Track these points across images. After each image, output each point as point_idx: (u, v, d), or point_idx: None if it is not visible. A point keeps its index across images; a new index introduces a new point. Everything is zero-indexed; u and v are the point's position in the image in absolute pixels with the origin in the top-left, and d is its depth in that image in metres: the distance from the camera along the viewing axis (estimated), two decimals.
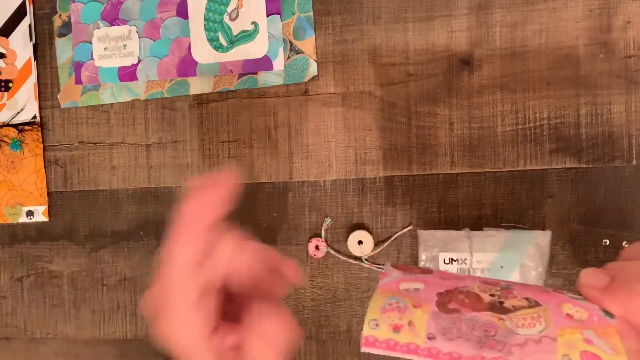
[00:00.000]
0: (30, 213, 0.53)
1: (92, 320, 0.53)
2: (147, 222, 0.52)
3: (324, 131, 0.49)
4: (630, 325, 0.29)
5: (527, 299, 0.31)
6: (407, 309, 0.31)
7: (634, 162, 0.45)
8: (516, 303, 0.31)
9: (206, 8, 0.49)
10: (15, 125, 0.53)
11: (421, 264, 0.46)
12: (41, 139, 0.53)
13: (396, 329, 0.30)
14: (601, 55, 0.45)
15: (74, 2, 0.52)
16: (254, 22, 0.49)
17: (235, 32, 0.49)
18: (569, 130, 0.45)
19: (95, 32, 0.51)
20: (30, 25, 0.53)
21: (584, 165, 0.45)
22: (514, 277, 0.44)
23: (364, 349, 0.30)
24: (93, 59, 0.51)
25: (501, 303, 0.31)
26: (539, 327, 0.29)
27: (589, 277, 0.30)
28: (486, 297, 0.31)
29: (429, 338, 0.30)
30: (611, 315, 0.29)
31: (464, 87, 0.46)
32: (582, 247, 0.45)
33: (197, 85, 0.50)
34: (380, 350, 0.30)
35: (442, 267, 0.46)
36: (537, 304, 0.31)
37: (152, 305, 0.32)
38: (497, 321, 0.30)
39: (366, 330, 0.30)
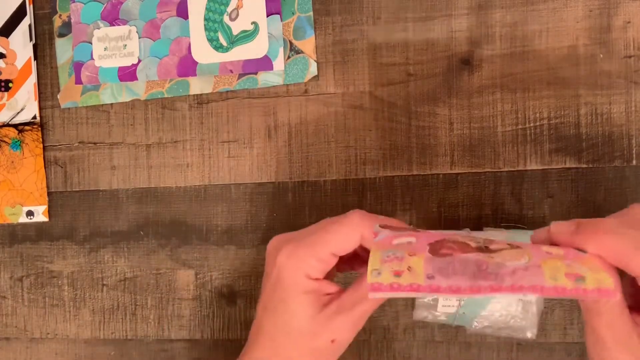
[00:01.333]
0: (30, 213, 0.53)
1: (92, 320, 0.53)
2: (147, 222, 0.52)
3: (324, 131, 0.49)
4: (602, 260, 0.32)
5: (509, 244, 0.34)
6: (404, 258, 0.33)
7: (634, 162, 0.45)
8: (500, 246, 0.34)
9: (206, 8, 0.49)
10: (15, 125, 0.53)
11: None
12: (41, 139, 0.53)
13: (397, 274, 0.33)
14: (601, 55, 0.45)
15: (74, 2, 0.52)
16: (254, 22, 0.49)
17: (235, 32, 0.49)
18: (569, 130, 0.45)
19: (95, 32, 0.51)
20: (30, 25, 0.53)
21: (584, 165, 0.45)
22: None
23: (372, 295, 0.33)
24: (93, 59, 0.51)
25: (487, 247, 0.34)
26: (523, 260, 0.32)
27: (558, 226, 0.34)
28: (472, 244, 0.34)
29: (428, 277, 0.32)
30: (584, 252, 0.32)
31: (464, 87, 0.46)
32: None
33: (197, 85, 0.50)
34: (387, 293, 0.33)
35: None
36: (519, 247, 0.34)
37: (283, 239, 0.38)
38: (486, 258, 0.33)
39: (370, 279, 0.33)
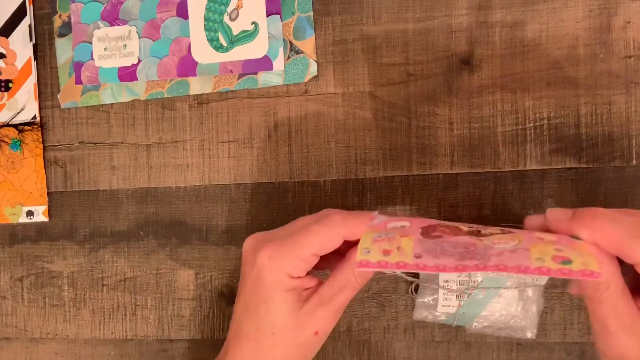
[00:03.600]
0: (30, 213, 0.53)
1: (92, 320, 0.53)
2: (147, 222, 0.52)
3: (324, 131, 0.49)
4: (597, 247, 0.32)
5: (501, 229, 0.35)
6: (394, 238, 0.35)
7: (634, 162, 0.45)
8: (491, 231, 0.35)
9: (206, 8, 0.49)
10: (15, 125, 0.53)
11: None
12: (41, 139, 0.53)
13: (386, 253, 0.34)
14: (601, 55, 0.45)
15: (74, 2, 0.52)
16: (254, 22, 0.49)
17: (235, 32, 0.49)
18: (569, 130, 0.45)
19: (95, 32, 0.51)
20: (30, 25, 0.53)
21: (584, 165, 0.45)
22: (514, 277, 0.44)
23: (358, 270, 0.35)
24: (93, 59, 0.51)
25: (478, 231, 0.35)
26: (512, 243, 0.33)
27: (554, 213, 0.34)
28: (465, 228, 0.35)
29: (416, 257, 0.33)
30: (578, 240, 0.33)
31: (464, 87, 0.46)
32: None
33: (197, 85, 0.50)
34: (373, 269, 0.34)
35: None
36: (511, 232, 0.34)
37: (262, 238, 0.39)
38: (476, 241, 0.33)
39: (359, 256, 0.34)
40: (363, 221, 0.37)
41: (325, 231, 0.37)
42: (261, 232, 0.40)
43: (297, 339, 0.38)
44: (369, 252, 0.34)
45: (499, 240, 0.34)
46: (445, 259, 0.33)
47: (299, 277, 0.38)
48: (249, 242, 0.40)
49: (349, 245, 0.38)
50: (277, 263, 0.37)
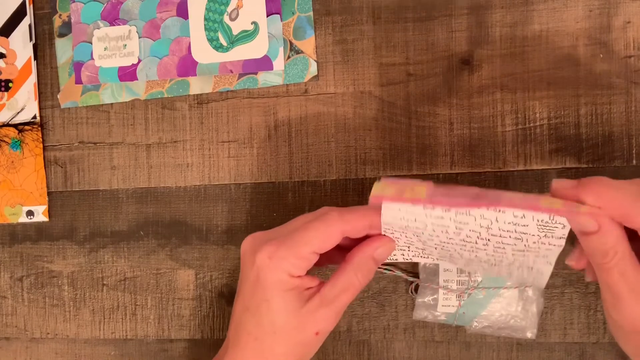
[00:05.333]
0: (30, 213, 0.53)
1: (92, 320, 0.53)
2: (147, 222, 0.52)
3: (324, 131, 0.49)
4: (604, 216, 0.33)
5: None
6: (408, 184, 0.37)
7: (634, 162, 0.45)
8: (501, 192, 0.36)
9: (206, 8, 0.49)
10: (15, 125, 0.53)
11: (421, 263, 0.47)
12: (41, 139, 0.53)
13: (400, 192, 0.36)
14: (601, 55, 0.45)
15: (74, 2, 0.52)
16: (254, 22, 0.49)
17: (235, 32, 0.49)
18: (569, 130, 0.45)
19: (95, 32, 0.51)
20: (30, 25, 0.53)
21: (584, 165, 0.45)
22: (514, 275, 0.44)
23: (373, 203, 0.36)
24: (93, 59, 0.51)
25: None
26: (521, 195, 0.35)
27: (559, 182, 0.35)
28: (475, 189, 0.37)
29: (429, 197, 0.35)
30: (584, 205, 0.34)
31: (464, 87, 0.46)
32: None
33: (197, 85, 0.50)
34: (387, 202, 0.35)
35: (442, 266, 0.46)
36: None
37: (262, 237, 0.39)
38: (487, 190, 0.36)
39: (374, 192, 0.36)
40: (360, 216, 0.37)
41: (323, 228, 0.37)
42: (260, 232, 0.40)
43: (297, 338, 0.38)
44: (383, 190, 0.36)
45: (509, 194, 0.35)
46: (458, 199, 0.34)
47: (299, 276, 0.38)
48: (248, 242, 0.40)
49: (350, 241, 0.38)
50: (277, 262, 0.37)
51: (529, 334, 0.45)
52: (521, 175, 0.46)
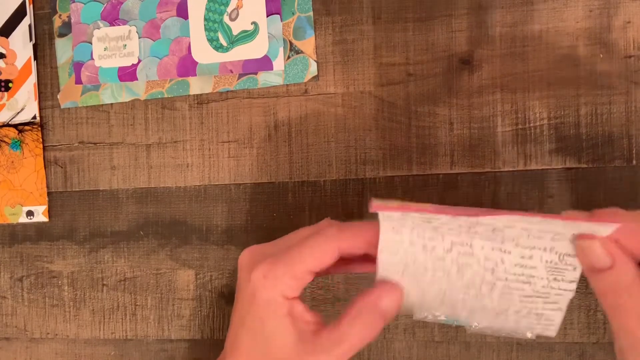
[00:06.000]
0: (30, 213, 0.53)
1: (92, 320, 0.53)
2: (147, 222, 0.52)
3: (324, 131, 0.49)
4: (619, 246, 0.30)
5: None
6: (412, 204, 0.34)
7: (634, 162, 0.45)
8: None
9: (206, 8, 0.49)
10: (15, 125, 0.53)
11: None
12: (41, 139, 0.53)
13: (403, 205, 0.33)
14: (601, 55, 0.45)
15: (74, 2, 0.52)
16: (254, 22, 0.49)
17: (235, 32, 0.49)
18: (569, 130, 0.45)
19: (95, 32, 0.51)
20: (30, 25, 0.53)
21: (584, 165, 0.45)
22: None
23: (375, 210, 0.33)
24: (93, 59, 0.51)
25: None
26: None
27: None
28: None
29: (434, 209, 0.33)
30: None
31: (464, 87, 0.46)
32: None
33: (197, 85, 0.50)
34: (391, 211, 0.33)
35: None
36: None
37: (257, 253, 0.38)
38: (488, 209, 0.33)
39: (376, 202, 0.33)
40: (360, 233, 0.36)
41: (319, 246, 0.35)
42: (257, 246, 0.39)
43: None
44: (385, 202, 0.33)
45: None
46: (461, 211, 0.32)
47: (293, 298, 0.36)
48: (245, 256, 0.38)
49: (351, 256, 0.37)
50: (272, 282, 0.36)
51: (529, 334, 0.45)
52: (521, 175, 0.46)
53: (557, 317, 0.35)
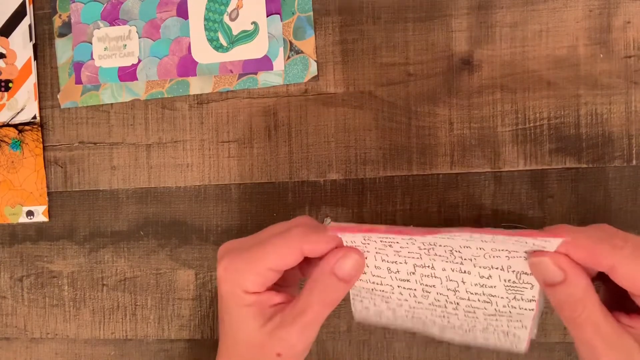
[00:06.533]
0: (30, 213, 0.53)
1: (92, 320, 0.53)
2: (147, 222, 0.52)
3: (324, 131, 0.49)
4: (571, 262, 0.31)
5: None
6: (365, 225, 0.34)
7: (634, 162, 0.45)
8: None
9: (206, 8, 0.49)
10: (15, 125, 0.53)
11: None
12: (41, 139, 0.53)
13: (357, 227, 0.33)
14: (601, 55, 0.45)
15: (74, 2, 0.52)
16: (254, 22, 0.49)
17: (235, 32, 0.49)
18: (569, 130, 0.45)
19: (95, 32, 0.51)
20: (30, 25, 0.53)
21: (584, 165, 0.45)
22: None
23: (330, 233, 0.33)
24: (93, 59, 0.51)
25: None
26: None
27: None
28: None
29: (387, 229, 0.32)
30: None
31: (464, 87, 0.46)
32: None
33: (197, 85, 0.50)
34: (346, 232, 0.33)
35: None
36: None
37: (230, 247, 0.37)
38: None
39: (333, 224, 0.34)
40: (325, 240, 0.35)
41: (282, 246, 0.35)
42: (234, 240, 0.38)
43: (258, 355, 0.36)
44: (339, 225, 0.33)
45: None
46: (412, 230, 0.32)
47: (257, 293, 0.36)
48: (220, 249, 0.38)
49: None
50: (231, 276, 0.36)
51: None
52: (521, 175, 0.46)
53: (523, 335, 0.35)
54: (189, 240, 0.51)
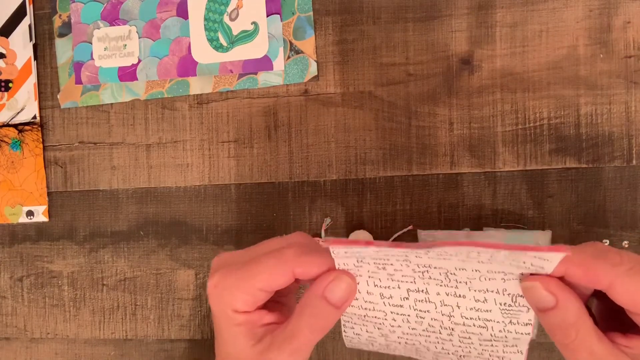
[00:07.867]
0: (30, 213, 0.53)
1: (92, 320, 0.53)
2: (147, 222, 0.52)
3: (324, 131, 0.49)
4: (564, 286, 0.30)
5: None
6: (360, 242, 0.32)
7: (634, 162, 0.45)
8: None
9: (206, 8, 0.49)
10: (15, 125, 0.53)
11: None
12: (41, 139, 0.53)
13: (352, 241, 0.31)
14: (601, 55, 0.45)
15: (74, 2, 0.52)
16: (254, 22, 0.49)
17: (235, 32, 0.49)
18: (569, 130, 0.45)
19: (95, 32, 0.51)
20: (30, 25, 0.53)
21: (584, 165, 0.45)
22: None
23: (323, 244, 0.32)
24: (93, 59, 0.51)
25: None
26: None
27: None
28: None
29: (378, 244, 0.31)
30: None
31: (464, 87, 0.46)
32: None
33: (197, 85, 0.50)
34: (340, 245, 0.31)
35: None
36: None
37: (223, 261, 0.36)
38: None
39: (325, 239, 0.32)
40: (318, 262, 0.33)
41: (273, 266, 0.33)
42: (228, 252, 0.37)
43: None
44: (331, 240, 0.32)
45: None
46: (405, 245, 0.31)
47: (246, 312, 0.34)
48: (213, 262, 0.37)
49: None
50: (221, 293, 0.34)
51: None
52: (521, 175, 0.46)
53: None
54: (188, 240, 0.51)
